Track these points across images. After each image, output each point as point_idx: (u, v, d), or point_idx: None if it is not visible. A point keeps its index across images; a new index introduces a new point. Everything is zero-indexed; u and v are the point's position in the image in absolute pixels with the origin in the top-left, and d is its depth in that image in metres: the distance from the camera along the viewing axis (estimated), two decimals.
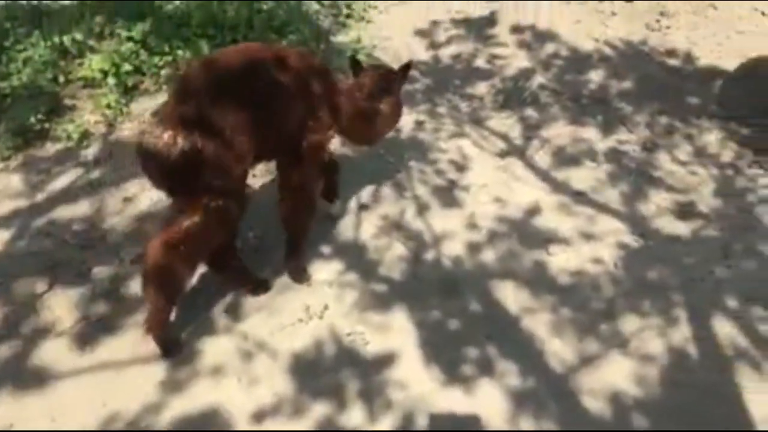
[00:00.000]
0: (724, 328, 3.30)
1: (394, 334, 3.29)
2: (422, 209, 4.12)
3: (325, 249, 3.78)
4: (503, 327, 3.32)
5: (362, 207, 4.12)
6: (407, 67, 3.71)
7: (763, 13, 6.67)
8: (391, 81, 3.62)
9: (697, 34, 6.07)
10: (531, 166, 4.55)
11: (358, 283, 3.57)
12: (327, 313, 3.38)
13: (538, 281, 3.60)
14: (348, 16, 6.44)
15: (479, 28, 6.24)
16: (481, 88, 5.45)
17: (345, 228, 3.96)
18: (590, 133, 4.87)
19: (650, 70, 5.61)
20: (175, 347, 3.20)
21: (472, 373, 3.10)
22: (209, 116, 2.87)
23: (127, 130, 4.79)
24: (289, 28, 5.65)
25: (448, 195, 4.26)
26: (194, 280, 3.34)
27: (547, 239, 3.87)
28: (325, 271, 3.64)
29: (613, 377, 3.07)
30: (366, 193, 4.22)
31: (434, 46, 6.08)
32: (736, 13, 6.56)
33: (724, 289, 3.54)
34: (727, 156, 4.64)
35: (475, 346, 3.21)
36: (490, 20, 6.31)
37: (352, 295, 3.49)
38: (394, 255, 3.77)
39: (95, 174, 4.44)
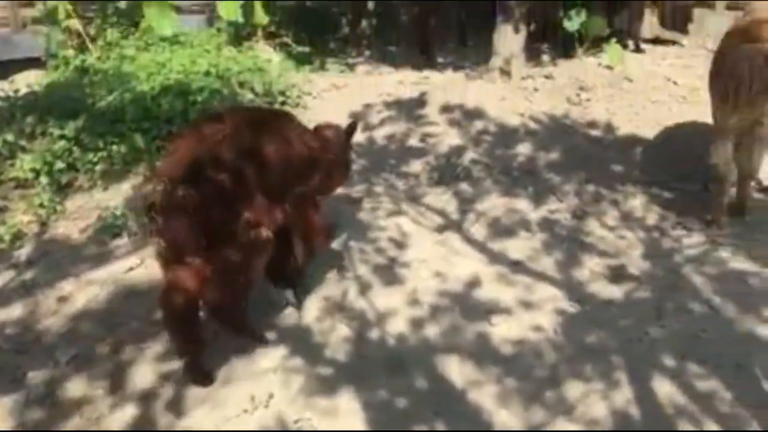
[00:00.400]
0: (663, 387, 3.38)
1: (342, 417, 3.25)
2: (364, 288, 4.16)
3: (269, 335, 3.76)
4: (450, 402, 3.33)
5: (304, 291, 4.13)
6: (354, 125, 4.17)
7: (675, 83, 7.13)
8: (346, 138, 4.09)
9: (614, 106, 6.44)
10: (468, 239, 4.67)
11: (303, 367, 3.54)
12: (273, 401, 3.33)
13: (482, 353, 3.64)
14: (283, 103, 6.61)
15: (410, 109, 6.47)
16: (416, 166, 5.62)
17: (287, 312, 3.95)
18: (522, 204, 5.05)
19: (574, 141, 5.89)
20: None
21: None
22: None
23: (61, 228, 4.73)
24: None
25: (389, 272, 4.31)
26: None
27: (488, 310, 3.94)
28: (269, 358, 3.61)
29: None
30: (308, 276, 4.24)
31: (368, 128, 6.27)
32: (650, 84, 7.00)
33: (660, 348, 3.64)
34: (652, 219, 4.86)
35: (424, 423, 3.20)
36: (420, 101, 6.57)
37: (297, 381, 3.46)
38: (338, 336, 3.77)
39: (28, 275, 4.35)
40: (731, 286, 4.12)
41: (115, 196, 5.09)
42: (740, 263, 4.34)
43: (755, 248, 4.48)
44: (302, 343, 3.71)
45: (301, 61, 7.88)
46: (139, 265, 4.31)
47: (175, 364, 3.49)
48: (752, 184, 4.90)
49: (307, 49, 7.93)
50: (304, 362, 3.57)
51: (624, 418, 3.22)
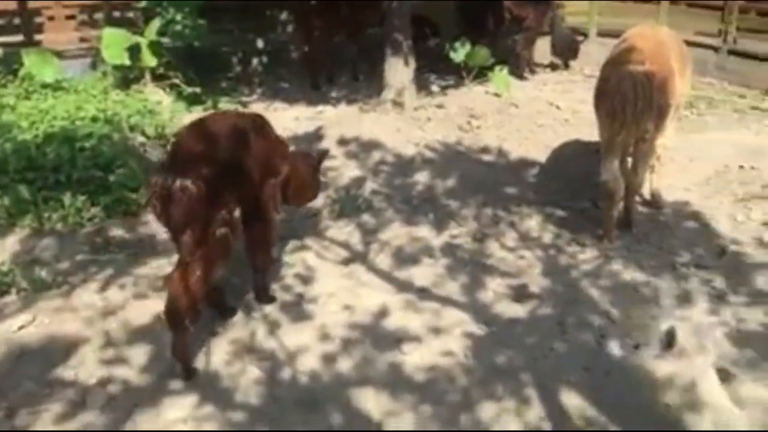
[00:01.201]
0: (572, 400, 3.49)
1: None
2: (273, 327, 4.08)
3: (175, 385, 3.61)
4: None
5: (211, 334, 4.01)
6: (326, 151, 5.06)
7: (557, 107, 7.49)
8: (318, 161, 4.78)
9: (504, 131, 6.69)
10: (374, 269, 4.68)
11: (214, 414, 3.42)
12: None
13: (396, 382, 3.64)
14: None
15: (308, 143, 6.47)
16: (317, 200, 5.60)
17: (194, 358, 3.82)
18: (424, 232, 5.12)
19: (469, 167, 6.06)
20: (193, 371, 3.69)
21: None
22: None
23: None
24: (117, 163, 5.54)
25: (297, 309, 4.26)
26: None
27: (398, 339, 3.96)
28: (177, 408, 3.46)
29: None
30: (213, 319, 4.12)
31: None
32: (535, 109, 7.33)
33: (565, 362, 3.76)
34: (547, 238, 5.04)
35: None
36: (317, 135, 6.59)
37: (209, 429, 3.34)
38: (249, 379, 3.68)
39: None
40: (625, 297, 4.33)
41: (1, 252, 4.79)
42: (631, 274, 4.56)
43: (644, 258, 4.73)
44: (212, 389, 3.59)
45: (192, 101, 7.74)
46: (31, 323, 4.06)
47: (74, 424, 3.30)
48: (637, 198, 5.18)
49: (198, 89, 7.80)
50: (215, 409, 3.45)
51: None
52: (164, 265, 4.54)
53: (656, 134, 4.83)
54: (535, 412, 3.43)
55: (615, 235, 4.94)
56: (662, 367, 3.54)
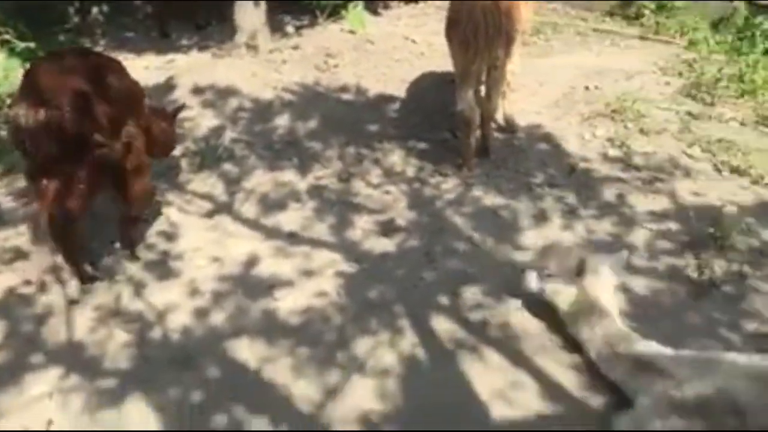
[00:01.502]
0: (443, 325, 3.63)
1: (134, 426, 3.08)
2: (138, 288, 3.92)
3: (35, 358, 3.42)
4: (246, 385, 3.29)
5: (71, 302, 3.80)
6: (182, 106, 4.87)
7: (413, 41, 7.52)
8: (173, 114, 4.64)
9: (361, 69, 6.66)
10: (240, 219, 4.59)
11: (82, 385, 3.27)
12: (52, 427, 3.06)
13: (271, 329, 3.62)
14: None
15: (160, 95, 6.16)
16: (175, 152, 5.37)
17: (53, 330, 3.62)
18: (289, 176, 5.06)
19: (329, 107, 6.01)
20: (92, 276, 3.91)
21: None
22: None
23: None
24: None
25: (163, 267, 4.12)
26: None
27: (270, 286, 3.93)
28: (41, 382, 3.28)
29: (359, 400, 3.19)
30: (72, 286, 3.89)
31: None
32: (391, 45, 7.33)
33: (435, 290, 3.89)
34: (411, 171, 5.12)
35: (222, 412, 3.14)
36: (169, 85, 6.28)
37: (78, 400, 3.19)
38: (117, 344, 3.53)
39: None
40: (487, 221, 4.50)
41: None
42: (492, 199, 4.74)
43: (502, 183, 4.92)
44: (76, 359, 3.43)
45: (27, 57, 7.12)
46: None
47: None
48: (492, 125, 5.34)
49: (32, 44, 7.18)
50: (81, 379, 3.30)
51: (412, 361, 3.41)
52: (11, 236, 4.25)
53: (506, 61, 4.97)
54: (409, 341, 3.54)
55: (474, 162, 5.09)
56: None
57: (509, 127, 5.61)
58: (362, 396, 3.22)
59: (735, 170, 4.94)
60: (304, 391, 3.24)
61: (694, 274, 3.91)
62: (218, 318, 3.72)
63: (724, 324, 3.56)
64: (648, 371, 2.90)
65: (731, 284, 3.85)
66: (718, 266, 3.95)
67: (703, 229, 4.22)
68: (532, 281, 3.51)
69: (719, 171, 4.98)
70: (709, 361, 2.86)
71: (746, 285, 3.84)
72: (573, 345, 3.37)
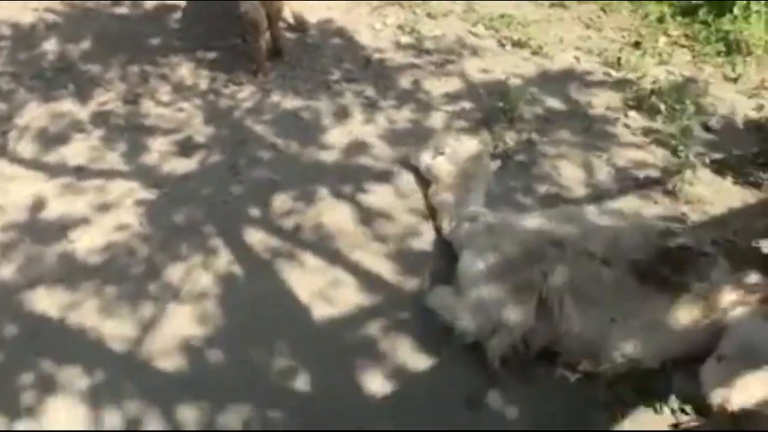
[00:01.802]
0: (256, 237, 3.55)
1: None
2: None
3: None
4: (50, 336, 3.05)
5: None
6: None
7: None
8: None
9: None
10: (17, 160, 4.14)
11: None
12: None
13: (71, 273, 3.36)
14: None
15: None
16: None
17: None
18: (67, 105, 4.60)
19: (103, 24, 5.48)
20: None
21: (37, 398, 2.81)
22: None
23: None
24: None
25: None
26: None
27: (63, 227, 3.61)
28: None
29: (178, 329, 3.08)
30: None
31: None
32: None
33: (244, 203, 3.77)
34: (204, 84, 4.83)
35: (28, 369, 2.90)
36: None
37: None
38: None
39: None
40: (289, 125, 4.39)
41: None
42: (291, 101, 4.61)
43: (300, 84, 4.79)
44: None
45: None
46: None
47: None
48: (281, 24, 5.14)
49: None
50: None
51: (229, 279, 3.32)
52: None
53: None
54: (223, 260, 3.44)
55: (268, 66, 4.89)
56: None
57: (300, 26, 5.42)
58: (181, 323, 3.11)
59: (516, 43, 5.15)
60: (116, 330, 3.07)
61: (491, 148, 4.09)
62: (7, 271, 3.38)
63: (519, 190, 3.78)
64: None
65: (523, 153, 4.08)
66: (510, 137, 4.16)
67: (494, 104, 4.40)
68: (425, 158, 3.73)
69: (503, 46, 5.17)
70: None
71: (536, 151, 4.09)
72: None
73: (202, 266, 3.40)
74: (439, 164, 3.65)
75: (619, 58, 4.95)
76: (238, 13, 4.82)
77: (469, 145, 3.70)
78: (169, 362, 2.94)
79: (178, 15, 5.67)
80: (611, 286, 2.84)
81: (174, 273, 3.36)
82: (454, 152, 3.64)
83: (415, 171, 3.89)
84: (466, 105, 4.52)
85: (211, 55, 5.15)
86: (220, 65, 5.01)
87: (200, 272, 3.37)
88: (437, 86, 4.73)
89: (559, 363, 2.88)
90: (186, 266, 3.40)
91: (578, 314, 2.83)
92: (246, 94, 4.73)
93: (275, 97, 4.68)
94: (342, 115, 4.49)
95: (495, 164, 3.77)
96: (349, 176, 3.94)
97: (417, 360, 2.95)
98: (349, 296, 3.22)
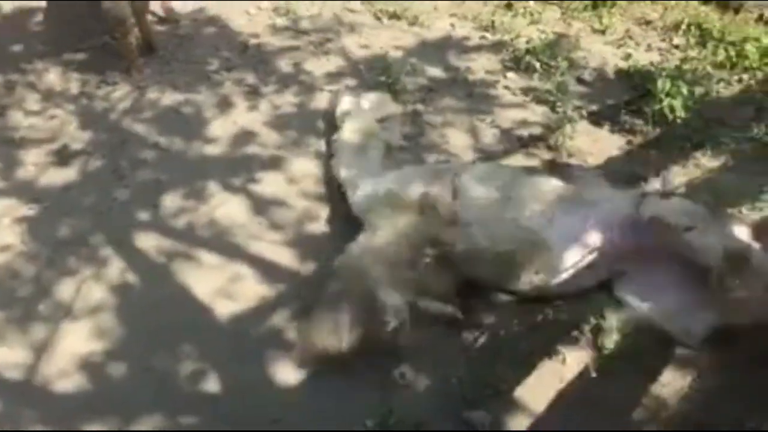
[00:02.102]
0: (148, 242, 3.45)
1: None
2: None
3: None
4: None
5: None
6: None
7: None
8: None
9: None
10: None
11: None
12: None
13: None
14: None
15: None
16: None
17: None
18: None
19: None
20: None
21: None
22: None
23: None
24: None
25: None
26: None
27: None
28: None
29: (75, 347, 2.96)
30: None
31: None
32: None
33: (132, 208, 3.65)
34: (74, 88, 4.61)
35: None
36: None
37: None
38: None
39: None
40: (170, 122, 4.26)
41: None
42: (170, 97, 4.47)
43: (177, 77, 4.65)
44: None
45: None
46: None
47: None
48: (149, 18, 4.95)
49: None
50: None
51: (124, 289, 3.22)
52: None
53: None
54: (116, 269, 3.32)
55: (141, 63, 4.72)
56: None
57: (170, 18, 5.24)
58: (77, 341, 2.99)
59: (393, 16, 5.17)
60: (8, 358, 2.92)
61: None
62: None
63: (409, 162, 3.81)
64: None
65: (409, 124, 4.11)
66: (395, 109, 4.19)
67: (376, 79, 4.41)
68: (346, 102, 3.93)
69: (380, 20, 5.17)
70: None
71: (421, 122, 4.13)
72: None
73: (94, 279, 3.27)
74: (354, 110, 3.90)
75: (492, 21, 5.06)
76: (102, 11, 4.61)
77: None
78: (69, 383, 2.83)
79: (39, 18, 5.37)
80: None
81: (64, 289, 3.22)
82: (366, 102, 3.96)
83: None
84: (350, 82, 4.51)
85: (80, 56, 4.92)
86: (90, 67, 4.80)
87: (92, 285, 3.24)
88: (318, 66, 4.69)
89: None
90: (76, 281, 3.27)
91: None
92: (121, 94, 4.55)
93: (152, 94, 4.52)
94: (224, 105, 4.39)
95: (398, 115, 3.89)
96: (238, 167, 3.87)
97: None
98: (250, 290, 3.18)
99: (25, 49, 5.03)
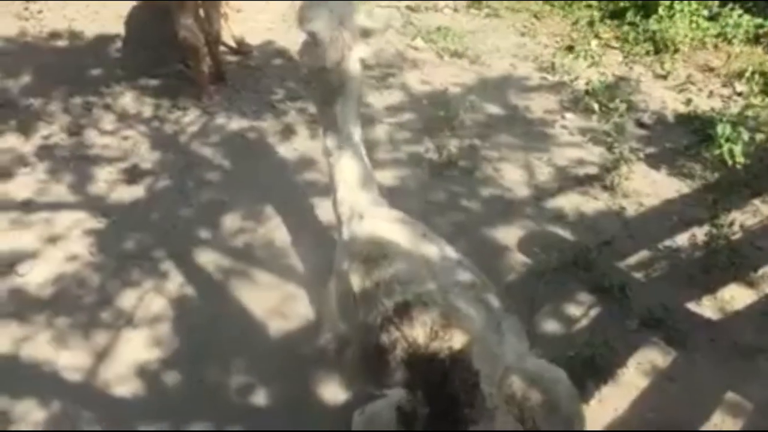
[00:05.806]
0: (208, 258, 3.58)
1: None
2: None
3: None
4: (2, 372, 3.03)
5: None
6: None
7: None
8: None
9: (71, 10, 6.08)
10: None
11: None
12: None
13: (21, 308, 3.33)
14: None
15: None
16: None
17: None
18: (11, 141, 4.55)
19: (43, 58, 5.44)
20: None
21: None
22: None
23: None
24: None
25: None
26: None
27: (11, 263, 3.57)
28: None
29: (133, 354, 3.09)
30: None
31: None
32: None
33: (194, 226, 3.81)
34: (147, 111, 4.84)
35: None
36: None
37: None
38: None
39: None
40: (235, 146, 4.44)
41: None
42: (236, 123, 4.67)
43: (244, 105, 4.85)
44: None
45: None
46: None
47: None
48: (222, 49, 5.19)
49: None
50: None
51: (182, 302, 3.35)
52: None
53: None
54: (175, 283, 3.46)
55: (212, 90, 4.94)
56: None
57: (242, 48, 5.48)
58: (135, 349, 3.12)
59: (454, 54, 5.30)
60: (70, 360, 3.06)
61: (435, 156, 4.20)
62: None
63: (464, 195, 3.88)
64: None
65: (466, 159, 4.19)
66: (453, 145, 4.27)
67: (436, 114, 4.51)
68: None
69: (441, 57, 5.31)
70: None
71: (478, 156, 4.21)
72: None
73: (155, 291, 3.41)
74: None
75: (553, 63, 5.13)
76: (177, 40, 4.85)
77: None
78: (126, 388, 2.95)
79: (118, 45, 5.68)
80: None
81: (126, 299, 3.37)
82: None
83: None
84: (409, 116, 4.62)
85: (154, 82, 5.18)
86: (163, 92, 5.04)
87: (153, 297, 3.38)
88: (379, 99, 4.83)
89: None
90: (138, 292, 3.41)
91: None
92: (191, 118, 4.76)
93: (220, 120, 4.72)
94: (287, 132, 4.56)
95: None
96: (297, 192, 4.01)
97: None
98: (303, 310, 3.27)
99: (103, 73, 5.32)
